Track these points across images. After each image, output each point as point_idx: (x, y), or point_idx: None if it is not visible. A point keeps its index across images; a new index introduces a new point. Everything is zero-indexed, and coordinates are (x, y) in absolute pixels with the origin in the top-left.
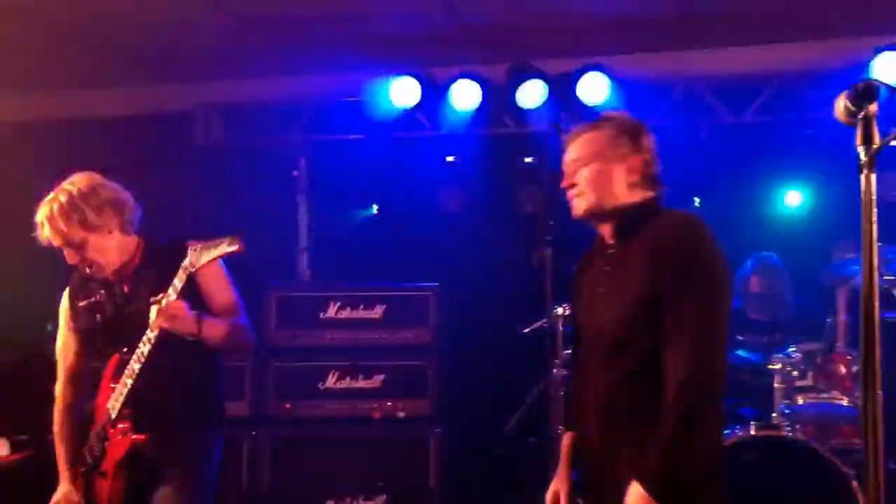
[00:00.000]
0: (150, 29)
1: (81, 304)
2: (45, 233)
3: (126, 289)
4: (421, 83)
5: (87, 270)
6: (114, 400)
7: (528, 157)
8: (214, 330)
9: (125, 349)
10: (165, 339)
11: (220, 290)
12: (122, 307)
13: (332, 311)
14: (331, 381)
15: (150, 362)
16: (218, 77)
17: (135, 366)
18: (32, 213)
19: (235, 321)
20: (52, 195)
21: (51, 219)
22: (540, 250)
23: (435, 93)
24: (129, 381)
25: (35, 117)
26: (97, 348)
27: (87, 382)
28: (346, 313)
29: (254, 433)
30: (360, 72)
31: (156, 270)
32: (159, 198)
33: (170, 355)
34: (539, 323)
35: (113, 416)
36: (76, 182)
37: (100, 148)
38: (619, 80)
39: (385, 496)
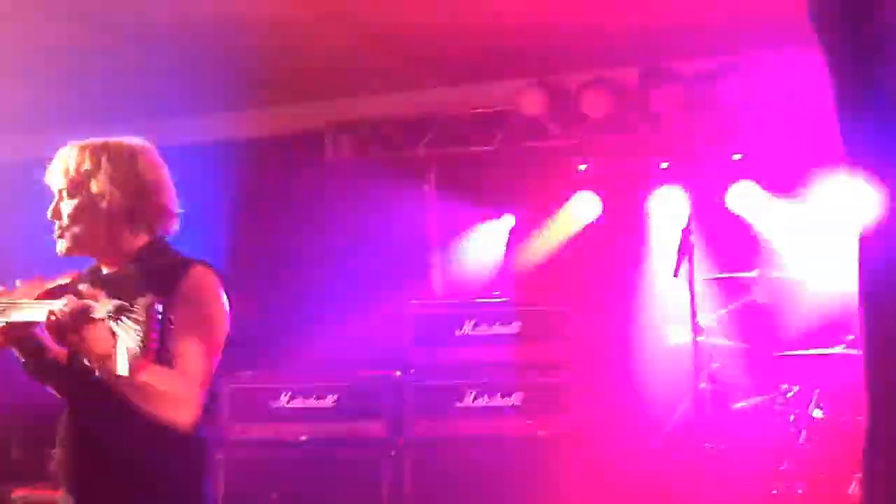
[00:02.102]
0: (279, 51)
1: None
2: (53, 169)
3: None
4: (550, 91)
5: (58, 245)
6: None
7: (663, 162)
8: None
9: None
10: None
11: (187, 333)
12: None
13: (467, 328)
14: (468, 400)
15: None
16: (347, 94)
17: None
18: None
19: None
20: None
21: (78, 150)
22: (682, 260)
23: (565, 100)
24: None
25: (168, 143)
26: None
27: None
28: (481, 330)
29: (393, 453)
30: (489, 82)
31: (130, 279)
32: (292, 218)
33: (111, 421)
34: (684, 336)
35: None
36: (130, 140)
37: (231, 171)
38: (760, 80)
39: None
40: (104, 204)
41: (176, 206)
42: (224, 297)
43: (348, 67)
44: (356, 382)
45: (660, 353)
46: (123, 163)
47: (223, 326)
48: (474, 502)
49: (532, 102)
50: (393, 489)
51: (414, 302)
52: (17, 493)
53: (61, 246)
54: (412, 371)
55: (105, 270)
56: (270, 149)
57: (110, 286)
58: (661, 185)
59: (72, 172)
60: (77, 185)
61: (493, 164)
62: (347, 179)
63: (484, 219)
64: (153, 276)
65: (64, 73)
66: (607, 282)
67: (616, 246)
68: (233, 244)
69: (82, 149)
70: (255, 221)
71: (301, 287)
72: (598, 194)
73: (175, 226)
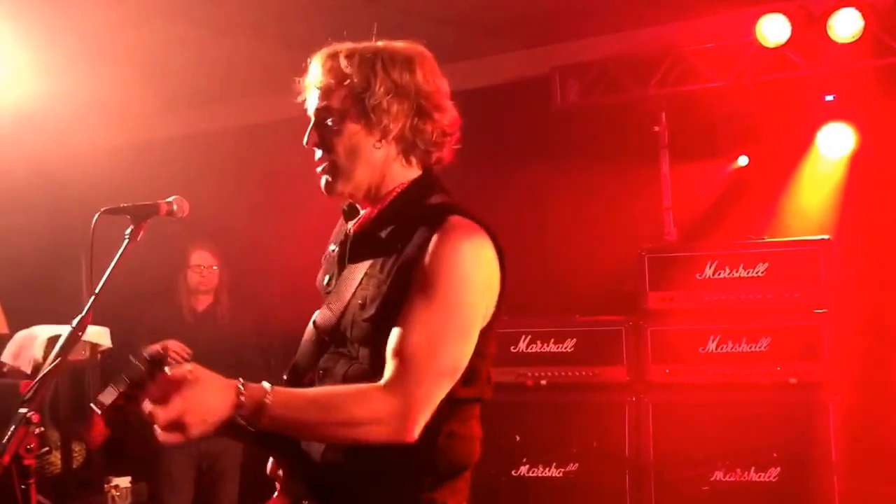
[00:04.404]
0: None
1: (329, 249)
2: (311, 81)
3: (345, 252)
4: (792, 17)
5: (323, 182)
6: None
7: None
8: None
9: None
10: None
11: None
12: (337, 281)
13: (708, 271)
14: (711, 345)
15: None
16: (572, 38)
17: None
18: None
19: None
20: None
21: (345, 57)
22: None
23: (809, 26)
24: None
25: None
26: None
27: None
28: (724, 273)
29: (633, 399)
30: (722, 14)
31: (382, 243)
32: (520, 167)
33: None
34: None
35: None
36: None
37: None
38: None
39: (780, 468)
40: (382, 126)
41: (457, 127)
42: (480, 259)
43: (572, 9)
44: (594, 327)
45: None
46: (402, 70)
47: (469, 299)
48: (718, 450)
49: (772, 31)
50: (634, 434)
51: (649, 246)
52: None
53: (326, 182)
54: (650, 316)
55: (360, 211)
56: (495, 98)
57: (353, 256)
58: None
59: (338, 84)
60: (346, 100)
61: (728, 101)
62: (575, 125)
63: (719, 159)
64: (402, 233)
65: (301, 34)
66: (867, 218)
67: (875, 180)
68: (462, 194)
69: (350, 54)
70: (483, 171)
71: (535, 233)
72: (853, 125)
73: (449, 154)
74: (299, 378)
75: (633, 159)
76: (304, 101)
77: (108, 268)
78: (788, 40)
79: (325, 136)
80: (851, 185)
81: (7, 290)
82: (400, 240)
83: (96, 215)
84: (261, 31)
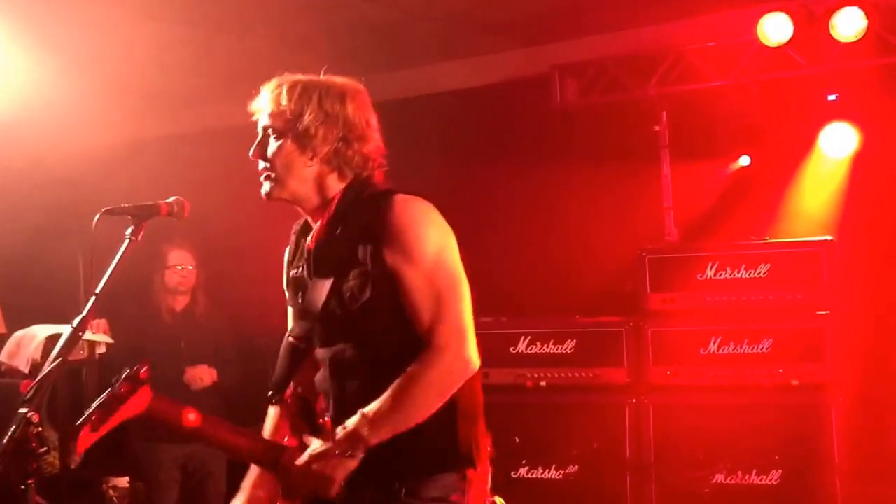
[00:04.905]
0: None
1: (291, 273)
2: (259, 105)
3: (311, 264)
4: (794, 16)
5: (262, 189)
6: None
7: None
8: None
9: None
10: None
11: (416, 282)
12: (307, 290)
13: (710, 272)
14: (713, 347)
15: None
16: (571, 36)
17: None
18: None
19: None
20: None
21: (288, 87)
22: None
23: (811, 25)
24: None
25: (383, 97)
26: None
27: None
28: (725, 273)
29: (634, 401)
30: (723, 12)
31: (342, 242)
32: (519, 166)
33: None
34: None
35: None
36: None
37: (454, 121)
38: None
39: (781, 471)
40: (312, 145)
41: (380, 155)
42: (433, 217)
43: (571, 7)
44: (594, 328)
45: None
46: (333, 103)
47: (451, 254)
48: (720, 453)
49: (774, 30)
50: (635, 436)
51: (649, 246)
52: None
53: (265, 189)
54: (650, 318)
55: (312, 226)
56: (494, 97)
57: (320, 263)
58: None
59: (280, 109)
60: (285, 123)
61: (729, 101)
62: (575, 124)
63: (720, 159)
64: (357, 226)
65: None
66: (870, 219)
67: (878, 180)
68: (461, 194)
69: (292, 85)
70: (481, 171)
71: (534, 233)
72: (855, 125)
73: (379, 175)
74: (281, 391)
75: (633, 159)
76: (257, 120)
77: (107, 268)
78: (790, 39)
79: (266, 151)
80: (854, 185)
81: (4, 289)
82: (358, 230)
83: (97, 216)
84: (259, 30)
